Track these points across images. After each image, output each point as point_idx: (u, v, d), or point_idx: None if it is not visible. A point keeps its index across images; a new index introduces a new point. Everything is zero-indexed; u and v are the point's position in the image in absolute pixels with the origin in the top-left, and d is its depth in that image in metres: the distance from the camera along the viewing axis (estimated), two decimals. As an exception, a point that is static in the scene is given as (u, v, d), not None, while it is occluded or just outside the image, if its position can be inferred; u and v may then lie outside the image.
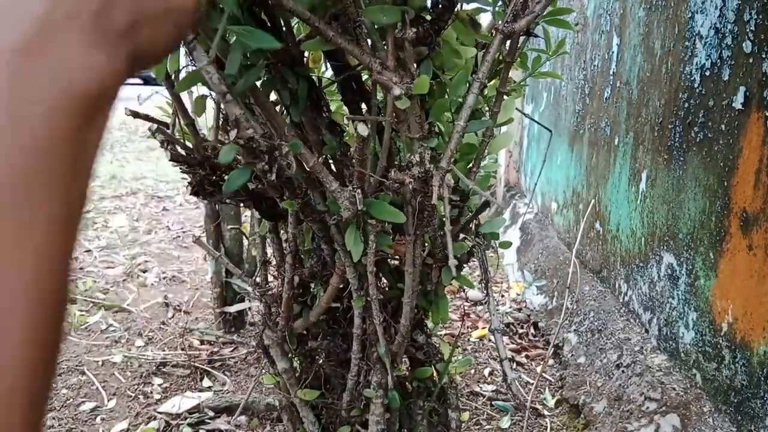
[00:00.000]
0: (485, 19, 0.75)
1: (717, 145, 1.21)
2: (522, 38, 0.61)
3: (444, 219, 0.55)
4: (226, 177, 0.78)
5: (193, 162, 0.78)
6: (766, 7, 1.05)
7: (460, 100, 0.72)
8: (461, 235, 0.88)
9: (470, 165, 0.72)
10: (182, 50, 0.71)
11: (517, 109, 0.85)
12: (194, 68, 0.66)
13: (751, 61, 1.09)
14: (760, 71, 1.06)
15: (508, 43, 0.60)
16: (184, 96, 0.81)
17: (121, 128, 7.87)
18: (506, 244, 0.98)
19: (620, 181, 1.80)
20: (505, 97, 0.63)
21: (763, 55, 1.05)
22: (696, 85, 1.31)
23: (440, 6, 0.58)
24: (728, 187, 1.16)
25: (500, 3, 0.57)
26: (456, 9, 0.59)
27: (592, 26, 2.17)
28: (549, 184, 2.77)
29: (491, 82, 0.78)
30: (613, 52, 1.92)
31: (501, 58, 0.61)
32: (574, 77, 2.37)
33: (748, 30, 1.10)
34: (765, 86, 1.05)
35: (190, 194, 0.82)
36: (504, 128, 0.85)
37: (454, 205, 0.82)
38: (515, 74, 0.77)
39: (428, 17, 0.59)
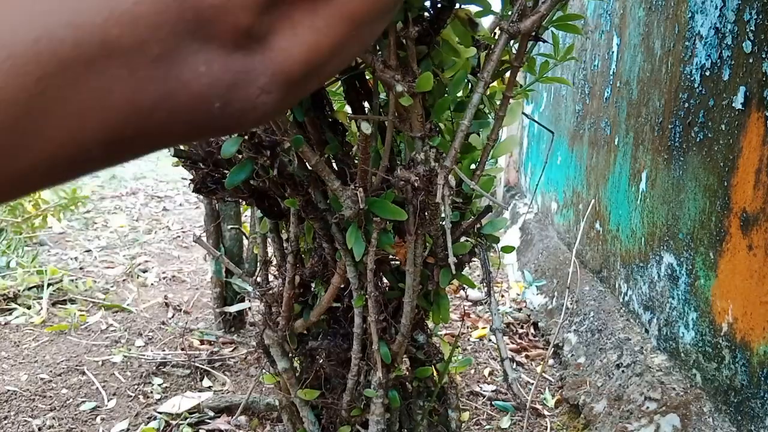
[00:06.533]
0: (487, 21, 0.75)
1: (717, 145, 1.21)
2: (530, 43, 0.61)
3: (444, 218, 0.55)
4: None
5: (197, 157, 0.78)
6: (766, 7, 1.06)
7: (459, 97, 0.73)
8: (462, 237, 0.88)
9: (474, 168, 0.72)
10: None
11: (524, 113, 0.86)
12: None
13: (751, 61, 1.09)
14: (760, 71, 1.06)
15: (515, 46, 0.60)
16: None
17: (121, 128, 7.86)
18: (509, 249, 0.98)
19: (620, 181, 1.80)
20: (511, 101, 0.63)
21: (763, 55, 1.05)
22: (696, 85, 1.31)
23: (439, 5, 0.58)
24: (728, 187, 1.17)
25: (509, 6, 0.57)
26: (455, 8, 0.60)
27: (592, 26, 2.17)
28: (549, 184, 2.77)
29: (492, 83, 0.78)
30: (613, 52, 1.93)
31: (508, 60, 0.61)
32: (574, 77, 2.37)
33: (748, 30, 1.10)
34: (765, 86, 1.05)
35: (193, 191, 0.82)
36: (504, 132, 0.85)
37: (456, 207, 0.82)
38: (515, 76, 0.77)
39: (427, 16, 0.60)
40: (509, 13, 0.57)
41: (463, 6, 0.62)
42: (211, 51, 0.24)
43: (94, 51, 0.21)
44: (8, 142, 0.21)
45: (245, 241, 2.05)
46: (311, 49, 0.27)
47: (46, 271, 2.42)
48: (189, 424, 1.54)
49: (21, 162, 0.21)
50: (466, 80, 0.68)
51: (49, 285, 2.35)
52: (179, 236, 3.42)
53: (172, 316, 2.28)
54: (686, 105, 1.36)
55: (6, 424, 1.54)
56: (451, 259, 0.46)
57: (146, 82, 0.23)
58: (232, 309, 2.03)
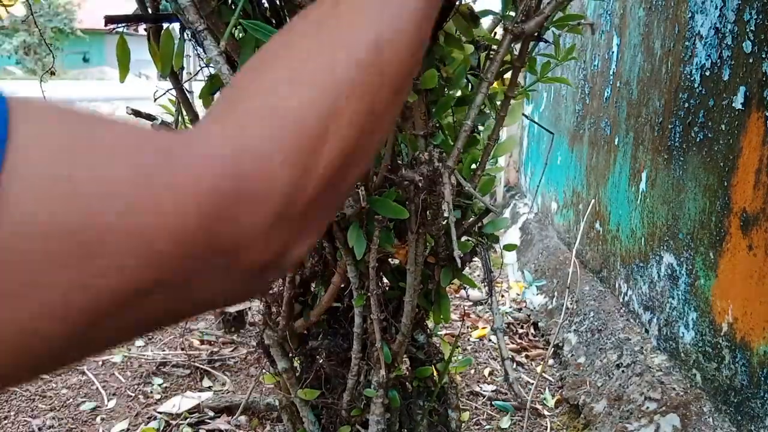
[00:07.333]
0: (486, 21, 0.75)
1: (717, 145, 1.21)
2: (531, 43, 0.61)
3: (447, 217, 0.55)
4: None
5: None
6: (766, 7, 1.06)
7: (458, 94, 0.73)
8: (464, 236, 0.88)
9: (475, 168, 0.72)
10: (187, 48, 0.71)
11: (524, 114, 0.85)
12: (201, 60, 0.66)
13: (751, 61, 1.09)
14: (760, 71, 1.06)
15: (517, 46, 0.60)
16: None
17: (121, 128, 7.87)
18: (511, 247, 0.98)
19: (620, 181, 1.80)
20: (512, 101, 0.63)
21: (763, 55, 1.05)
22: (696, 85, 1.31)
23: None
24: (728, 187, 1.17)
25: (511, 6, 0.57)
26: (457, 3, 0.60)
27: (595, 24, 2.17)
28: (549, 184, 2.77)
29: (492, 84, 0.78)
30: (613, 52, 1.93)
31: (510, 60, 0.61)
32: (574, 77, 2.37)
33: (748, 30, 1.10)
34: (765, 86, 1.05)
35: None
36: (503, 132, 0.85)
37: (457, 206, 0.82)
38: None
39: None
40: (509, 13, 0.57)
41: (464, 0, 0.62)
42: (229, 278, 0.26)
43: (124, 293, 0.22)
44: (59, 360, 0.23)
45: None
46: (316, 240, 0.32)
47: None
48: (189, 424, 1.54)
49: (64, 358, 0.24)
50: (465, 78, 0.68)
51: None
52: (179, 236, 3.42)
53: (172, 316, 2.28)
54: (686, 105, 1.36)
55: (6, 424, 1.54)
56: (457, 253, 0.46)
57: (164, 304, 0.24)
58: (232, 309, 2.03)
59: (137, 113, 0.81)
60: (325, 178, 0.29)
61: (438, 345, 1.09)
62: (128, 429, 1.54)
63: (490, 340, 2.08)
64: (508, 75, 0.67)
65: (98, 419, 1.58)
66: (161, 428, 1.54)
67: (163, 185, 0.23)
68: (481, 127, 0.79)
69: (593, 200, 2.03)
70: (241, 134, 0.27)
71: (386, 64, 0.31)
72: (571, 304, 1.91)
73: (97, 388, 1.72)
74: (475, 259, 0.90)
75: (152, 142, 0.24)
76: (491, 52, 0.71)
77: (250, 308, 2.15)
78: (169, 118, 0.88)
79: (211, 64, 0.56)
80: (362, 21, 0.31)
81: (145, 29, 0.71)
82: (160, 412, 1.60)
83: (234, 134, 0.27)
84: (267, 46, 0.33)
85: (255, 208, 0.26)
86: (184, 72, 0.81)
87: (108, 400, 1.66)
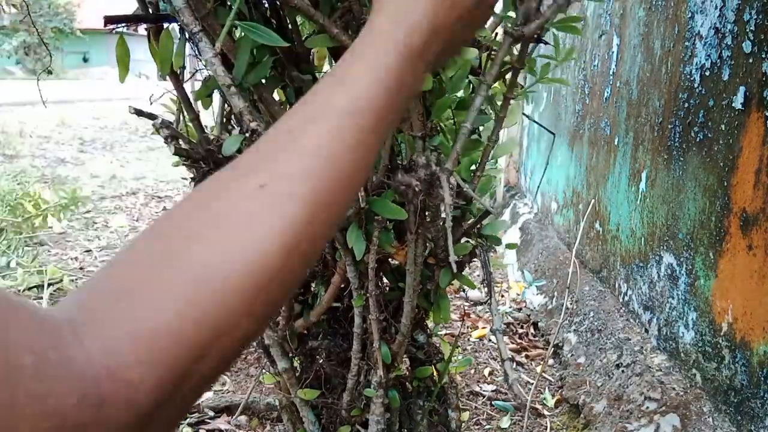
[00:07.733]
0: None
1: (717, 145, 1.21)
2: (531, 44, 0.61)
3: (444, 219, 0.55)
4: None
5: (197, 156, 0.78)
6: (766, 7, 1.06)
7: (459, 97, 0.73)
8: (463, 238, 0.88)
9: (474, 169, 0.72)
10: (187, 47, 0.71)
11: (524, 114, 0.85)
12: (199, 61, 0.66)
13: (751, 61, 1.09)
14: (760, 71, 1.06)
15: (516, 47, 0.60)
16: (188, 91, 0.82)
17: (122, 128, 7.88)
18: (513, 245, 0.98)
19: (620, 181, 1.80)
20: (511, 102, 0.63)
21: (763, 55, 1.05)
22: (696, 85, 1.31)
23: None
24: (728, 187, 1.17)
25: (512, 7, 0.57)
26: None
27: (591, 26, 2.17)
28: (549, 184, 2.77)
29: (494, 85, 0.78)
30: (613, 52, 1.93)
31: (509, 62, 0.61)
32: (574, 77, 2.37)
33: (748, 30, 1.10)
34: (765, 86, 1.05)
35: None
36: (504, 132, 0.84)
37: (455, 206, 0.82)
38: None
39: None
40: (509, 14, 0.57)
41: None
42: None
43: None
44: None
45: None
46: None
47: (46, 271, 2.42)
48: (189, 424, 1.54)
49: None
50: (466, 80, 0.68)
51: (49, 285, 2.35)
52: (179, 236, 3.41)
53: (172, 316, 2.27)
54: (686, 105, 1.36)
55: (6, 423, 1.54)
56: (452, 258, 0.46)
57: None
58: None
59: (139, 113, 0.81)
60: (188, 402, 0.29)
61: (438, 345, 1.09)
62: (128, 429, 1.54)
63: (490, 340, 2.08)
64: (509, 76, 0.67)
65: (98, 419, 1.58)
66: (161, 428, 1.54)
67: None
68: (483, 128, 0.79)
69: (593, 200, 2.03)
70: (106, 354, 0.26)
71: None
72: (570, 304, 1.91)
73: (97, 388, 1.72)
74: (475, 259, 0.90)
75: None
76: (492, 52, 0.71)
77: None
78: (170, 117, 0.88)
79: (208, 66, 0.57)
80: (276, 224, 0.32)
81: (146, 29, 0.71)
82: (160, 412, 1.60)
83: (100, 353, 0.26)
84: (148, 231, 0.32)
85: (108, 428, 0.25)
86: (186, 71, 0.81)
87: (108, 400, 1.66)
